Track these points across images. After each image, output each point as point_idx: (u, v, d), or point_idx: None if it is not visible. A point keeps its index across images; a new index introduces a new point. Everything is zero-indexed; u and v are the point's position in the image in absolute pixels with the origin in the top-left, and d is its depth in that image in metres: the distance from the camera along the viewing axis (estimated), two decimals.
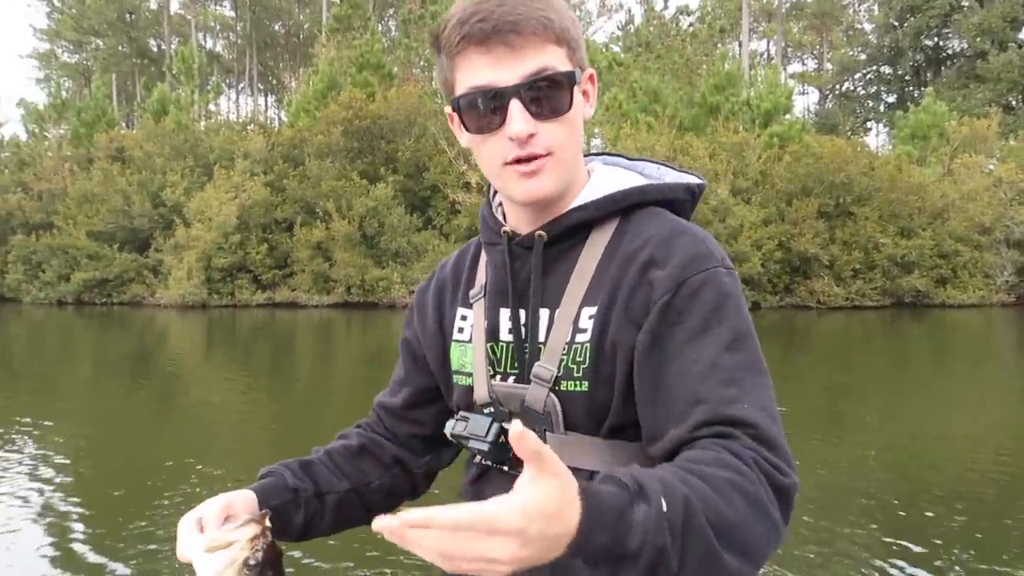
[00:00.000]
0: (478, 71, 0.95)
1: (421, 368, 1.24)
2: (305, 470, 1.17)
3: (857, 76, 51.36)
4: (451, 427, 1.10)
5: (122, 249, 25.93)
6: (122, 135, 30.54)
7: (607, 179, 1.06)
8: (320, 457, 1.21)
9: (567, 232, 1.04)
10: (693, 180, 1.10)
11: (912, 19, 44.00)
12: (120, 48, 49.84)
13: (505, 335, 1.08)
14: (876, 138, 50.37)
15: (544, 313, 1.04)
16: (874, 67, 49.65)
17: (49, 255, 26.15)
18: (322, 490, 1.16)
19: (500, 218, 1.11)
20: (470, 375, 1.12)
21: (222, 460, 6.40)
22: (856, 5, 53.34)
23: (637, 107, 25.27)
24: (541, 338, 1.04)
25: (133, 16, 49.21)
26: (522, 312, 1.07)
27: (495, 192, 1.13)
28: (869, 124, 50.82)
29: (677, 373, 0.91)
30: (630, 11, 38.22)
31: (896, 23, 45.59)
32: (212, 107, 34.62)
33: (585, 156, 1.12)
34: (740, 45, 42.94)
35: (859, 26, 53.00)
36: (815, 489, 5.29)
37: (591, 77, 1.03)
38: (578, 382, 0.99)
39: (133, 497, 5.36)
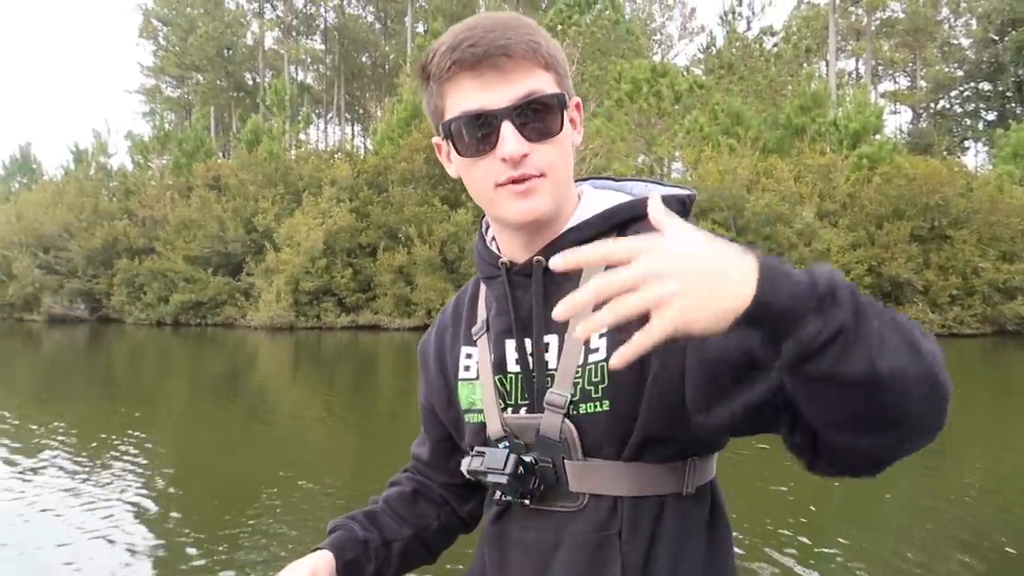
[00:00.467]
0: (468, 96, 0.96)
1: (437, 420, 1.24)
2: (371, 521, 1.23)
3: (953, 93, 49.22)
4: (467, 464, 1.08)
5: (216, 273, 27.14)
6: (218, 164, 32.07)
7: (599, 199, 1.07)
8: (381, 507, 1.26)
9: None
10: (682, 192, 1.10)
11: (1014, 33, 41.99)
12: (218, 82, 52.51)
13: (512, 366, 1.07)
14: (975, 158, 48.09)
15: (552, 339, 1.03)
16: (972, 84, 47.51)
17: (150, 278, 27.59)
18: (388, 539, 1.21)
19: (495, 250, 1.10)
20: (481, 411, 1.11)
21: (307, 473, 6.59)
22: (952, 20, 51.26)
23: (719, 129, 24.91)
24: (552, 365, 1.03)
25: (231, 52, 51.83)
26: (527, 341, 1.06)
27: (487, 226, 1.14)
28: (967, 143, 48.55)
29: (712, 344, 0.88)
30: (712, 33, 37.91)
31: (996, 37, 43.60)
32: (302, 137, 35.99)
33: (579, 180, 1.14)
34: (827, 64, 41.89)
35: (955, 42, 50.84)
36: (917, 522, 5.06)
37: (577, 105, 1.05)
38: (598, 403, 0.98)
39: (223, 506, 5.58)
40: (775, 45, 34.45)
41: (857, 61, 53.68)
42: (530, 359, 1.05)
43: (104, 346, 21.72)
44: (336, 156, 30.52)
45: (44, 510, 5.60)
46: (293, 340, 22.01)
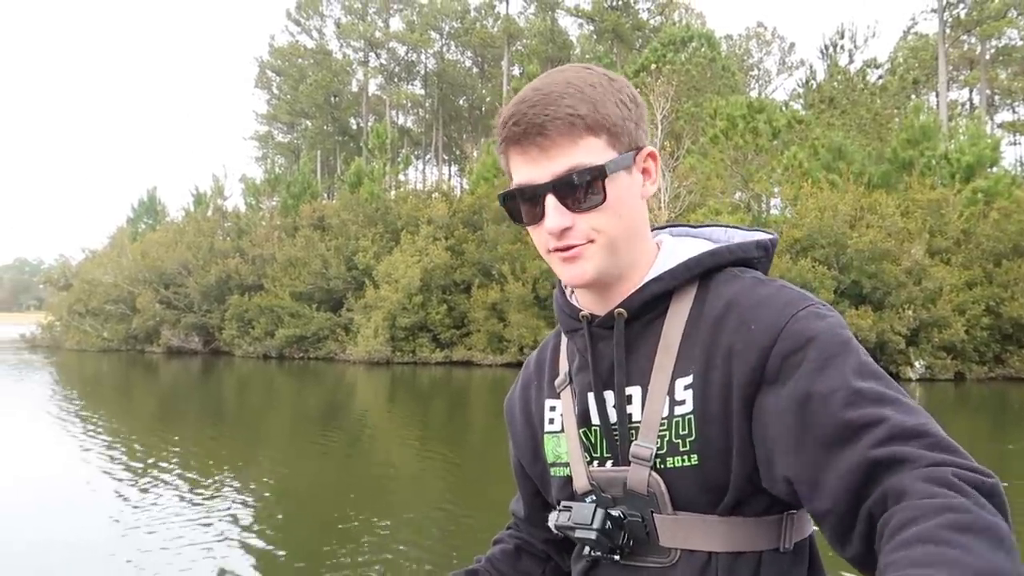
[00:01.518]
0: (519, 169, 0.99)
1: (526, 476, 1.24)
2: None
3: None
4: (555, 519, 1.05)
5: (319, 308, 28.23)
6: (323, 205, 33.52)
7: (677, 248, 1.07)
8: (484, 566, 1.25)
9: (645, 306, 1.03)
10: (763, 236, 1.09)
11: None
12: (325, 127, 55.21)
13: (596, 419, 1.07)
14: None
15: (635, 391, 1.03)
16: None
17: (258, 313, 28.97)
18: None
19: (575, 303, 1.11)
20: (567, 465, 1.10)
21: (401, 505, 6.76)
22: None
23: (819, 165, 24.22)
24: (636, 417, 1.02)
25: (337, 99, 54.48)
26: (609, 394, 1.05)
27: None
28: None
29: (819, 408, 0.86)
30: (811, 67, 37.03)
31: None
32: (401, 178, 37.27)
33: (653, 230, 1.13)
34: (937, 96, 40.17)
35: None
36: None
37: (651, 155, 1.04)
38: (686, 456, 0.96)
39: (319, 532, 5.80)
40: (880, 77, 33.37)
41: (971, 91, 51.17)
42: (613, 411, 1.04)
43: (215, 377, 22.91)
44: (433, 196, 31.42)
45: (153, 525, 5.98)
46: (389, 374, 22.57)
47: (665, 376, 0.99)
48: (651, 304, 1.03)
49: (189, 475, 7.94)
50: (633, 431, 1.01)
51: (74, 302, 35.13)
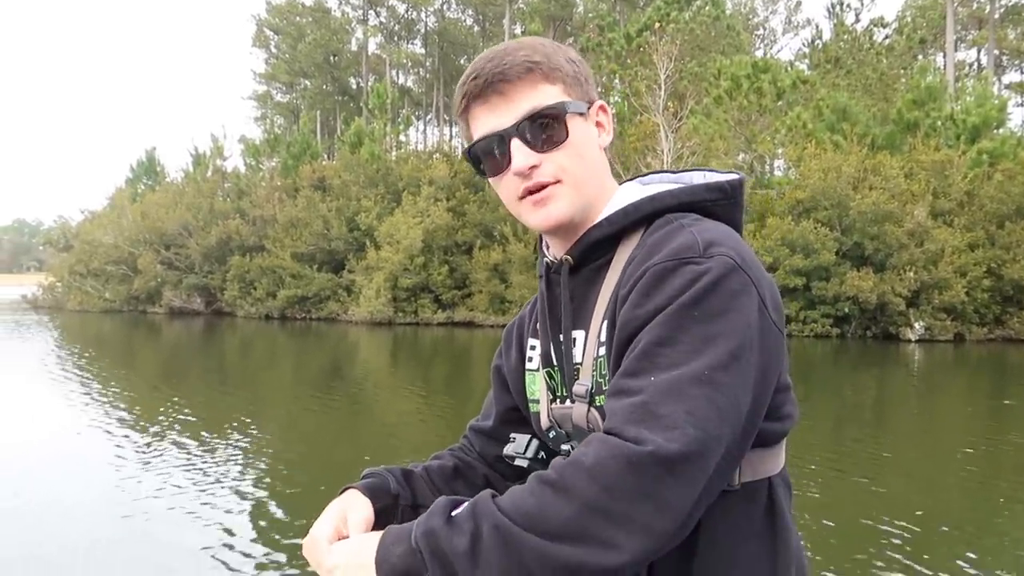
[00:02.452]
0: (483, 122, 1.04)
1: (509, 393, 1.29)
2: (407, 480, 1.23)
3: None
4: (505, 449, 1.17)
5: (320, 269, 28.27)
6: (323, 166, 33.37)
7: (630, 195, 1.08)
8: (419, 471, 1.26)
9: (589, 252, 1.07)
10: (719, 179, 1.08)
11: None
12: (324, 87, 54.60)
13: (555, 360, 1.13)
14: None
15: (579, 334, 1.08)
16: None
17: (260, 274, 29.02)
18: (418, 502, 1.20)
19: (545, 251, 1.17)
20: (537, 401, 1.18)
21: (400, 461, 6.86)
22: None
23: (823, 126, 24.01)
24: (578, 359, 1.07)
25: (336, 58, 53.77)
26: (560, 336, 1.11)
27: None
28: None
29: (620, 342, 0.94)
30: (818, 27, 36.52)
31: None
32: (402, 138, 36.98)
33: (630, 179, 1.16)
34: (944, 56, 39.63)
35: None
36: None
37: (602, 107, 1.09)
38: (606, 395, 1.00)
39: (320, 485, 5.88)
40: (887, 37, 32.91)
41: (979, 51, 50.48)
42: (563, 353, 1.11)
43: (217, 337, 23.03)
44: (434, 157, 31.24)
45: (158, 480, 6.07)
46: (391, 335, 22.69)
47: (599, 320, 1.04)
48: (594, 250, 1.06)
49: (194, 432, 8.03)
50: (576, 371, 1.07)
51: (75, 263, 35.16)
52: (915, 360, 16.82)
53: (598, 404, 1.02)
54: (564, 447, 1.11)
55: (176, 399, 10.25)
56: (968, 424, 9.61)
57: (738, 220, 1.07)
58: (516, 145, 1.02)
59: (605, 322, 1.02)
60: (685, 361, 0.86)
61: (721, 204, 1.06)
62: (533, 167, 1.02)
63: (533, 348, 1.21)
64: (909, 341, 20.03)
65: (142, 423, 8.51)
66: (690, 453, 0.80)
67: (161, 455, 6.98)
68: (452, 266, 26.45)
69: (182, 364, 16.15)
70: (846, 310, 20.53)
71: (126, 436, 7.77)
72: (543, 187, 1.03)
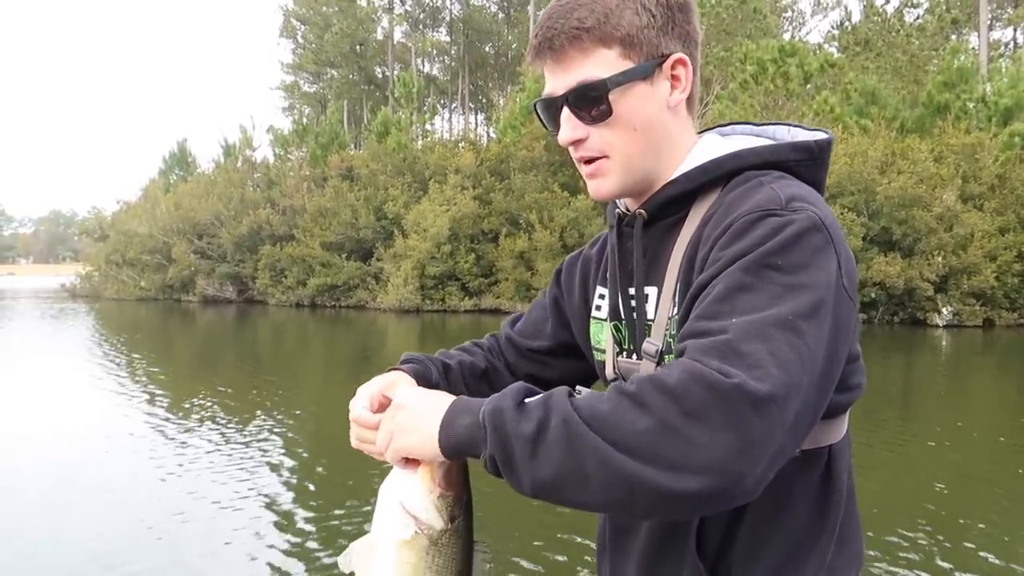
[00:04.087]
0: (547, 79, 1.02)
1: (566, 327, 1.29)
2: (446, 373, 1.25)
3: None
4: None
5: (349, 258, 28.65)
6: (351, 156, 33.66)
7: (707, 149, 1.04)
8: (455, 365, 1.28)
9: (663, 207, 1.04)
10: (806, 137, 1.03)
11: None
12: (351, 76, 55.01)
13: (623, 314, 1.11)
14: None
15: (652, 291, 1.05)
16: None
17: (290, 263, 29.49)
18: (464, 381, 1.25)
19: (618, 202, 1.13)
20: (604, 351, 1.16)
21: None
22: None
23: (851, 110, 23.81)
24: (650, 315, 1.04)
25: (362, 47, 54.12)
26: (631, 290, 1.08)
27: None
28: None
29: (697, 291, 0.90)
30: (847, 8, 35.95)
31: None
32: (428, 127, 37.21)
33: (710, 129, 1.12)
34: (978, 36, 38.89)
35: None
36: None
37: (679, 61, 1.01)
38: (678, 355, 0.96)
39: (351, 469, 6.17)
40: (918, 18, 32.40)
41: (1015, 30, 49.38)
42: (633, 308, 1.08)
43: (249, 325, 23.53)
44: (460, 145, 31.42)
45: (198, 462, 6.39)
46: (419, 322, 22.99)
47: (672, 278, 1.01)
48: (669, 205, 1.03)
49: (230, 415, 8.36)
50: (648, 328, 1.05)
51: (111, 252, 35.94)
52: (943, 345, 16.74)
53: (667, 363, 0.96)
54: None
55: (212, 384, 10.63)
56: (998, 409, 9.66)
57: (821, 180, 1.03)
58: (565, 115, 1.01)
59: (679, 282, 0.99)
60: (768, 306, 0.83)
61: (805, 164, 1.01)
62: (580, 140, 1.01)
63: (602, 297, 1.18)
64: (937, 326, 19.90)
65: (176, 407, 8.87)
66: (776, 395, 0.76)
67: (200, 437, 7.29)
68: (479, 254, 26.69)
69: (217, 350, 16.61)
70: (873, 296, 20.43)
71: (167, 420, 8.12)
72: (592, 160, 1.02)
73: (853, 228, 20.45)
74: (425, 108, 36.96)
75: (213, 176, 36.80)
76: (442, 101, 56.92)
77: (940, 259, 19.99)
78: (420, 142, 33.69)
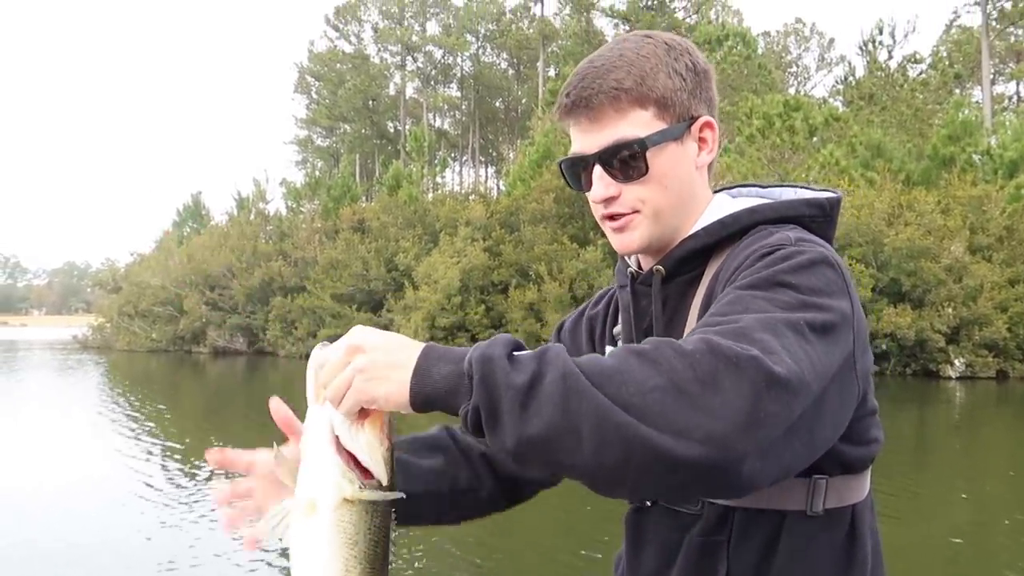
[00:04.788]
0: (575, 138, 1.04)
1: None
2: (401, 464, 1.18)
3: None
4: None
5: (360, 309, 28.79)
6: (362, 208, 34.09)
7: (725, 206, 1.07)
8: (447, 436, 1.24)
9: (682, 263, 1.05)
10: (817, 195, 1.07)
11: None
12: (363, 131, 56.11)
13: None
14: None
15: None
16: None
17: (301, 314, 29.66)
18: (413, 487, 1.15)
19: (627, 259, 1.15)
20: None
21: None
22: None
23: (857, 163, 24.06)
24: None
25: (375, 102, 55.35)
26: None
27: None
28: None
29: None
30: (850, 64, 36.53)
31: None
32: (439, 180, 37.77)
33: (719, 191, 1.14)
34: (981, 90, 39.42)
35: None
36: None
37: (707, 124, 1.05)
38: None
39: None
40: (921, 72, 32.92)
41: (1018, 85, 50.04)
42: None
43: (260, 376, 23.57)
44: (471, 198, 31.83)
45: (201, 516, 6.37)
46: None
47: None
48: (687, 261, 1.05)
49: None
50: None
51: (123, 304, 36.24)
52: (957, 397, 16.59)
53: None
54: None
55: (217, 436, 10.64)
56: (1014, 461, 9.54)
57: (831, 238, 1.06)
58: (597, 173, 1.02)
59: None
60: (780, 310, 0.83)
61: (818, 220, 1.05)
62: (612, 197, 1.03)
63: None
64: (950, 378, 19.73)
65: (184, 458, 8.87)
66: (790, 380, 0.75)
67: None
68: (488, 305, 26.79)
69: (225, 402, 16.63)
70: (884, 347, 20.33)
71: (175, 472, 8.13)
72: (619, 216, 1.04)
73: (862, 279, 20.47)
74: (436, 161, 37.57)
75: (226, 228, 37.27)
76: (453, 154, 57.82)
77: (951, 310, 19.94)
78: (431, 195, 34.15)
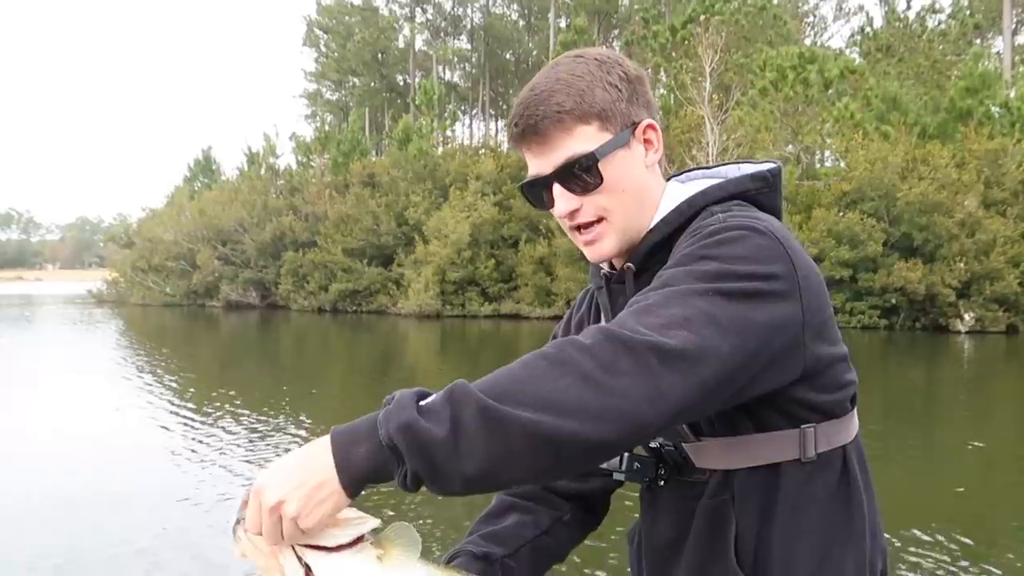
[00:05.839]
0: (530, 162, 1.10)
1: None
2: (489, 536, 1.24)
3: None
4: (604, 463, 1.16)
5: (370, 264, 28.95)
6: (372, 163, 34.03)
7: (676, 196, 1.12)
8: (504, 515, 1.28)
9: (649, 257, 1.10)
10: (759, 168, 1.13)
11: None
12: (372, 84, 55.51)
13: None
14: None
15: None
16: None
17: (312, 269, 29.86)
18: (510, 549, 1.23)
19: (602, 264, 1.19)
20: None
21: None
22: None
23: (872, 116, 23.72)
24: None
25: (384, 55, 54.62)
26: None
27: None
28: None
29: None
30: (868, 14, 35.70)
31: None
32: (449, 134, 37.49)
33: (670, 178, 1.20)
34: (1002, 41, 38.52)
35: None
36: None
37: (650, 126, 1.10)
38: None
39: None
40: (940, 23, 32.19)
41: None
42: None
43: (272, 329, 23.85)
44: (481, 152, 31.66)
45: (214, 464, 6.57)
46: (439, 327, 23.17)
47: None
48: (653, 254, 1.10)
49: (250, 418, 8.56)
50: None
51: (137, 259, 36.55)
52: (966, 351, 16.65)
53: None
54: (652, 444, 1.15)
55: (234, 388, 10.86)
56: (1022, 414, 9.64)
57: (778, 205, 1.13)
58: (557, 191, 1.08)
59: None
60: (694, 281, 0.91)
61: (764, 192, 1.11)
62: (575, 210, 1.08)
63: None
64: (959, 333, 19.77)
65: (199, 409, 9.09)
66: (685, 351, 0.84)
67: (221, 440, 7.47)
68: (499, 260, 26.86)
69: (239, 355, 16.90)
70: (894, 301, 20.34)
71: (189, 424, 8.33)
72: (588, 225, 1.09)
73: (873, 234, 20.39)
74: (446, 115, 37.23)
75: (237, 183, 37.32)
76: (463, 108, 57.22)
77: (962, 265, 19.88)
78: (441, 149, 33.95)
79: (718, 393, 0.88)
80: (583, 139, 1.05)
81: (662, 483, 1.14)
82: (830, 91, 24.98)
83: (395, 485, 0.82)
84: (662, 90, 30.68)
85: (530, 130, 1.06)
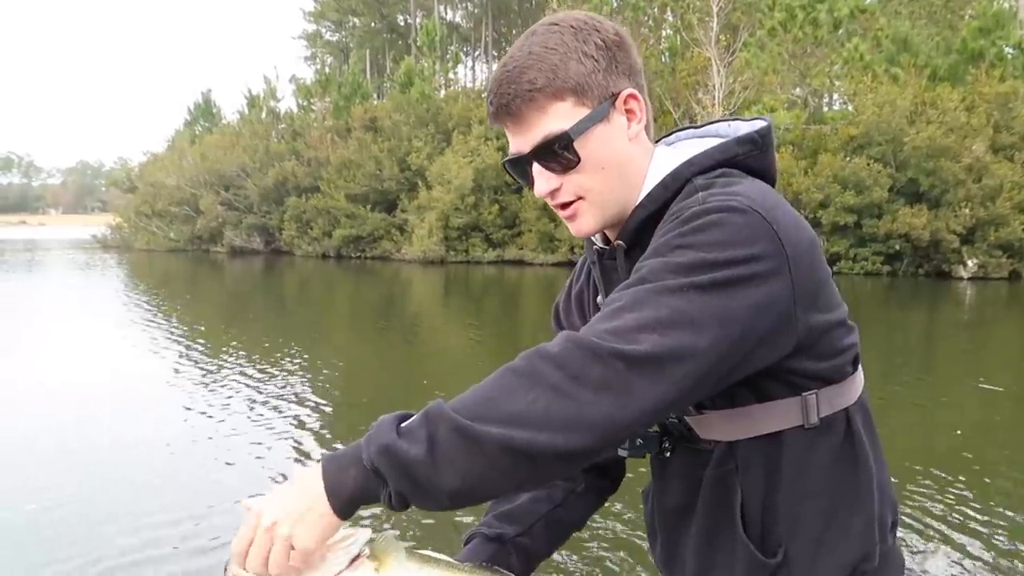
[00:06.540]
0: (510, 140, 1.07)
1: None
2: (503, 515, 1.27)
3: None
4: None
5: (374, 209, 28.88)
6: (374, 107, 33.58)
7: (663, 164, 1.08)
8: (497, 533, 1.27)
9: (638, 233, 1.07)
10: (747, 129, 1.09)
11: None
12: (373, 25, 54.42)
13: None
14: None
15: None
16: None
17: (315, 214, 29.81)
18: (523, 527, 1.27)
19: (594, 238, 1.17)
20: None
21: (452, 392, 7.40)
22: None
23: (882, 57, 23.30)
24: None
25: None
26: None
27: None
28: None
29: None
30: None
31: None
32: (451, 76, 36.89)
33: (658, 141, 1.16)
34: None
35: None
36: None
37: (631, 96, 1.05)
38: None
39: (374, 414, 6.47)
40: None
41: None
42: None
43: (276, 275, 23.96)
44: (483, 95, 31.11)
45: (222, 410, 6.64)
46: (443, 273, 23.26)
47: None
48: (642, 230, 1.06)
49: (256, 362, 8.68)
50: None
51: (140, 204, 36.47)
52: (967, 297, 16.71)
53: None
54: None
55: (238, 332, 11.00)
56: (1021, 360, 9.75)
57: (770, 165, 1.08)
58: (536, 170, 1.06)
59: None
60: (670, 274, 0.89)
61: (753, 155, 1.06)
62: (555, 190, 1.06)
63: None
64: (961, 279, 19.81)
65: (205, 355, 9.22)
66: (653, 354, 0.84)
67: (226, 383, 7.57)
68: (502, 205, 26.78)
69: (244, 300, 17.04)
70: (898, 247, 20.33)
71: (195, 368, 8.47)
72: (568, 204, 1.07)
73: (879, 179, 20.26)
74: (448, 56, 36.59)
75: (238, 128, 36.94)
76: (465, 49, 56.18)
77: (968, 211, 19.79)
78: (443, 92, 33.48)
79: (701, 386, 0.89)
80: (558, 117, 1.02)
81: (668, 454, 1.15)
82: (840, 31, 24.48)
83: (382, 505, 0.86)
84: (668, 30, 30.08)
85: (503, 110, 1.04)
